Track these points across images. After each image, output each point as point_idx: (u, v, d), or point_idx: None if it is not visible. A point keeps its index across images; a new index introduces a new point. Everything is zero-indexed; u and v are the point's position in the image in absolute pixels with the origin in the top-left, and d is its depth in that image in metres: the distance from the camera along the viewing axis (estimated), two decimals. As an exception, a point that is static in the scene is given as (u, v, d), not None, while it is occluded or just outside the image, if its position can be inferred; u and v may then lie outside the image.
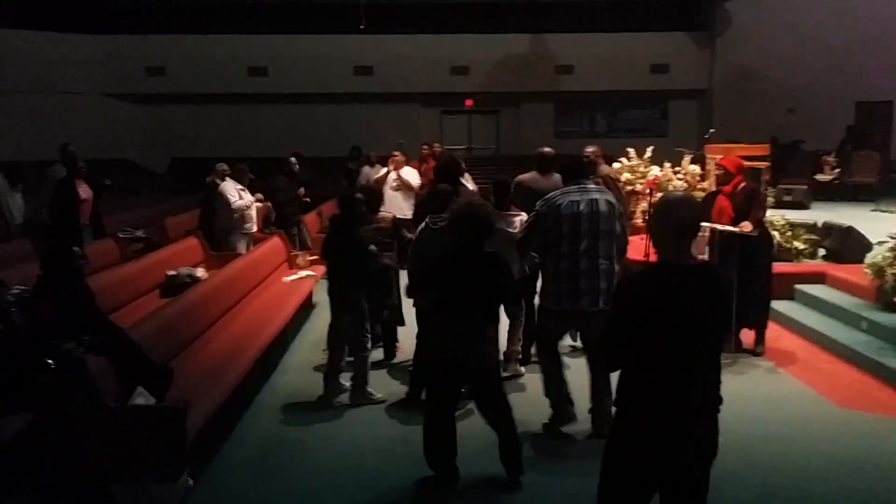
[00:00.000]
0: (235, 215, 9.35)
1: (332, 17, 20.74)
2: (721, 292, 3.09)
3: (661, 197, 3.28)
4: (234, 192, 9.44)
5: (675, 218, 2.95)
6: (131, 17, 21.48)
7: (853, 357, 6.89)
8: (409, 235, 6.52)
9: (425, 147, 13.22)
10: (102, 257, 8.49)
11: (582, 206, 5.28)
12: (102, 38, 20.96)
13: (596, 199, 5.32)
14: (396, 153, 11.28)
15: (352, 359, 6.21)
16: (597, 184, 5.76)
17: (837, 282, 8.36)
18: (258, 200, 9.91)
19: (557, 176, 6.65)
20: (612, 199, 5.46)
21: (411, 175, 11.10)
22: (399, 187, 10.88)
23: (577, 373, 5.91)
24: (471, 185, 7.94)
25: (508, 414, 4.74)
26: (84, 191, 9.57)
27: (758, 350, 7.19)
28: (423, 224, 5.89)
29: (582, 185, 5.43)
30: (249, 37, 21.28)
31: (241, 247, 9.51)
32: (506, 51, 21.54)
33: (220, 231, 9.66)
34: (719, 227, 6.91)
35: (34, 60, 19.20)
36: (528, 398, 5.98)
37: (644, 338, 2.90)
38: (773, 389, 6.38)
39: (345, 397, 6.16)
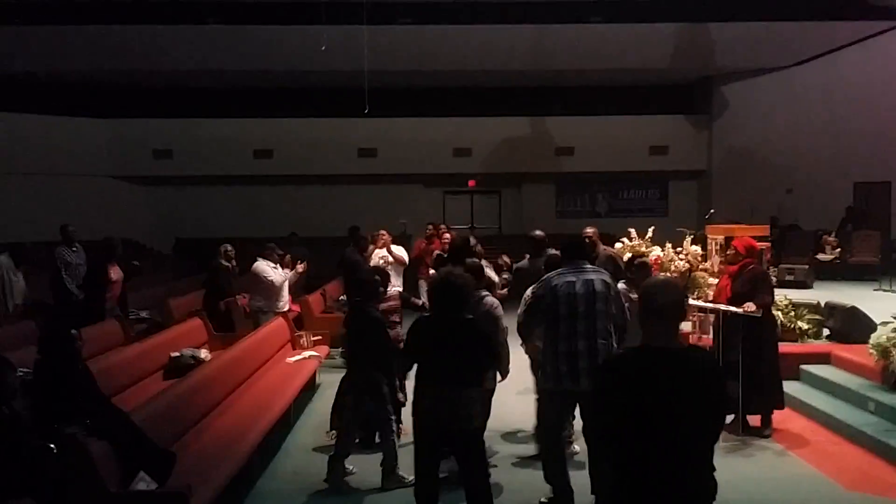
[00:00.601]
0: (273, 294, 9.62)
1: (336, 100, 21.18)
2: (710, 376, 2.97)
3: (644, 282, 3.32)
4: (270, 271, 9.59)
5: (656, 302, 2.95)
6: (139, 101, 22.00)
7: (861, 439, 6.80)
8: (419, 301, 6.85)
9: (430, 227, 13.15)
10: (106, 339, 8.49)
11: (578, 287, 5.33)
12: (110, 121, 21.40)
13: (592, 280, 5.38)
14: (382, 232, 11.12)
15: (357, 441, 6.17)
16: (592, 263, 5.83)
17: (843, 362, 8.31)
18: (296, 271, 10.26)
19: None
20: (608, 278, 5.51)
21: (401, 252, 11.08)
22: (386, 265, 10.35)
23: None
24: (492, 274, 7.21)
25: (485, 478, 4.91)
26: (115, 272, 9.80)
27: (765, 433, 7.11)
28: None
29: (578, 266, 5.48)
30: (255, 120, 21.73)
31: None
32: (507, 133, 21.95)
33: (254, 311, 9.89)
34: (722, 307, 6.93)
35: (42, 143, 19.58)
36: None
37: (626, 424, 2.84)
38: (781, 472, 6.29)
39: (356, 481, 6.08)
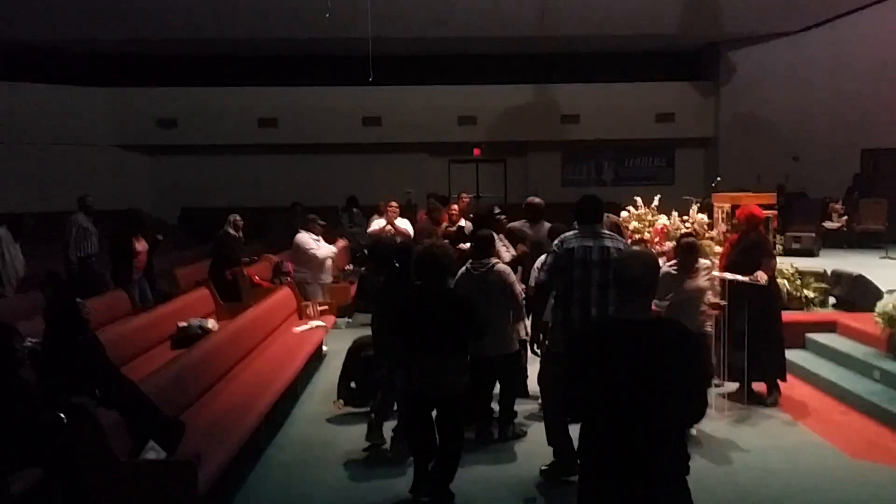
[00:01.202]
0: (316, 265, 9.71)
1: (340, 69, 21.04)
2: (684, 347, 2.93)
3: (622, 252, 3.31)
4: (312, 243, 9.60)
5: (631, 273, 2.95)
6: (142, 69, 21.86)
7: (866, 407, 6.83)
8: None
9: (462, 196, 12.75)
10: (113, 309, 8.53)
11: (594, 254, 5.21)
12: (113, 90, 21.28)
13: (608, 248, 5.25)
14: (393, 203, 10.68)
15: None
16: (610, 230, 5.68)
17: (848, 330, 8.32)
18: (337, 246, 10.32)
19: (547, 225, 7.17)
20: (622, 245, 5.40)
21: (405, 224, 10.61)
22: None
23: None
24: (504, 253, 7.25)
25: (458, 444, 5.16)
26: (140, 244, 10.07)
27: (769, 401, 7.14)
28: (464, 268, 6.24)
29: (596, 231, 5.36)
30: (259, 89, 21.59)
31: (319, 296, 9.87)
32: (512, 101, 21.79)
33: (300, 282, 9.97)
34: (728, 276, 6.91)
35: (45, 113, 19.45)
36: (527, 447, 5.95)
37: (594, 393, 2.85)
38: (786, 441, 6.32)
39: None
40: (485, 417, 6.43)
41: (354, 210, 15.16)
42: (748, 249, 7.00)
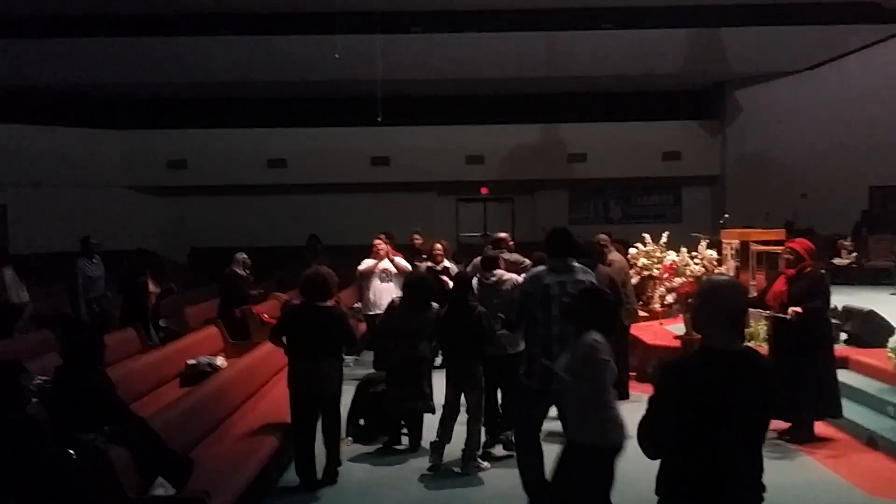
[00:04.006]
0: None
1: (349, 110, 21.25)
2: (767, 379, 2.97)
3: (708, 281, 3.24)
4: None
5: (725, 303, 2.90)
6: (153, 112, 22.15)
7: (882, 443, 6.74)
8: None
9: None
10: (124, 347, 8.54)
11: (569, 288, 5.14)
12: (124, 132, 21.55)
13: (582, 281, 5.21)
14: (379, 240, 9.76)
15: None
16: (584, 265, 5.59)
17: (861, 366, 8.24)
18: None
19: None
20: (595, 280, 5.37)
21: (403, 262, 9.80)
22: (389, 278, 9.60)
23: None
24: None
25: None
26: (153, 286, 10.22)
27: (787, 438, 7.04)
28: (477, 278, 6.96)
29: (568, 264, 5.34)
30: (268, 130, 21.82)
31: None
32: (519, 140, 21.95)
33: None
34: (766, 312, 6.89)
35: (58, 155, 19.69)
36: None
37: (687, 425, 2.82)
38: (800, 477, 6.24)
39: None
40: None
41: (318, 246, 15.67)
42: (812, 284, 6.83)
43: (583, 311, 4.49)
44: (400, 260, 9.78)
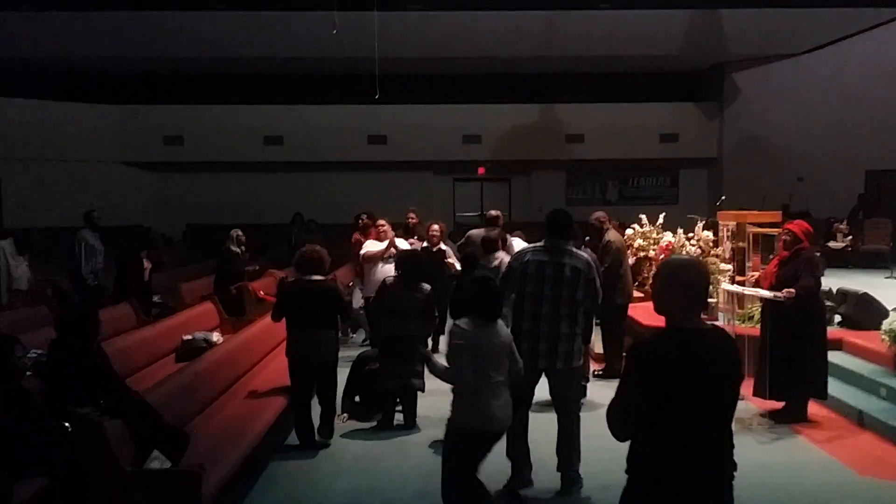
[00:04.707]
0: None
1: (346, 87, 21.13)
2: (732, 356, 2.98)
3: (665, 261, 3.26)
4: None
5: (684, 282, 2.91)
6: (149, 87, 22.01)
7: (874, 424, 6.80)
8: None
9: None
10: (119, 322, 8.54)
11: (547, 269, 5.31)
12: (120, 107, 21.42)
13: (564, 264, 5.31)
14: (382, 222, 9.42)
15: None
16: (577, 247, 5.71)
17: (854, 349, 8.30)
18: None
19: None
20: (580, 265, 5.38)
21: (405, 244, 9.47)
22: (392, 259, 8.92)
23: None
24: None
25: None
26: (146, 261, 10.35)
27: (783, 417, 7.10)
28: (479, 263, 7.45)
29: (558, 246, 5.41)
30: (265, 107, 21.72)
31: None
32: (517, 120, 21.88)
33: None
34: (762, 292, 6.97)
35: (52, 130, 19.59)
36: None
37: (654, 404, 2.83)
38: (793, 458, 6.29)
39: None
40: None
41: (312, 225, 16.46)
42: (806, 265, 6.88)
43: (464, 298, 4.90)
44: (403, 243, 9.48)
